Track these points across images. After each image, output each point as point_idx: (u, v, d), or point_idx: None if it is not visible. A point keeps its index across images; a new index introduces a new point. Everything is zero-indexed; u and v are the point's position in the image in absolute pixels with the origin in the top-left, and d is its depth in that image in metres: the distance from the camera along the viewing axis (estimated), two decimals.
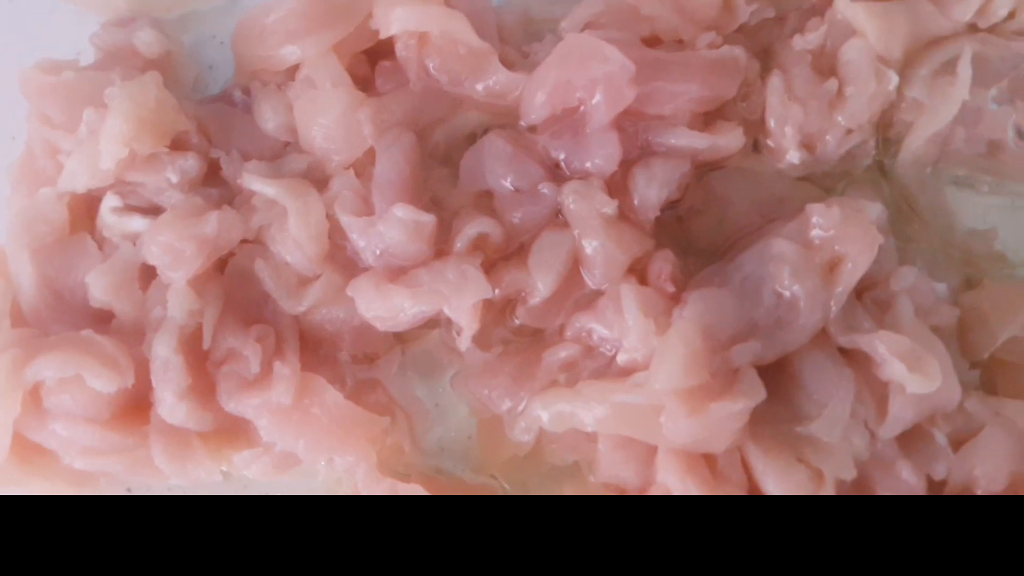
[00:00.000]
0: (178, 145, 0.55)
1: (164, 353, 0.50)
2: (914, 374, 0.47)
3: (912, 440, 0.50)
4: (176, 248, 0.51)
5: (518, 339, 0.55)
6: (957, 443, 0.51)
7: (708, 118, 0.56)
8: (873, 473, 0.49)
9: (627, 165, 0.55)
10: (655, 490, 0.49)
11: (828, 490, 0.47)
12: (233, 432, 0.52)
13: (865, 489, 0.49)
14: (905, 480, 0.49)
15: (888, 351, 0.48)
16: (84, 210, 0.55)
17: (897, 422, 0.49)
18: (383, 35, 0.56)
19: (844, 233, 0.50)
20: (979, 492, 0.50)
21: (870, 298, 0.51)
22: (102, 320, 0.53)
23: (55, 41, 0.62)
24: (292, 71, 0.57)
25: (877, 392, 0.49)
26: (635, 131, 0.55)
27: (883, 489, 0.49)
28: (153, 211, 0.54)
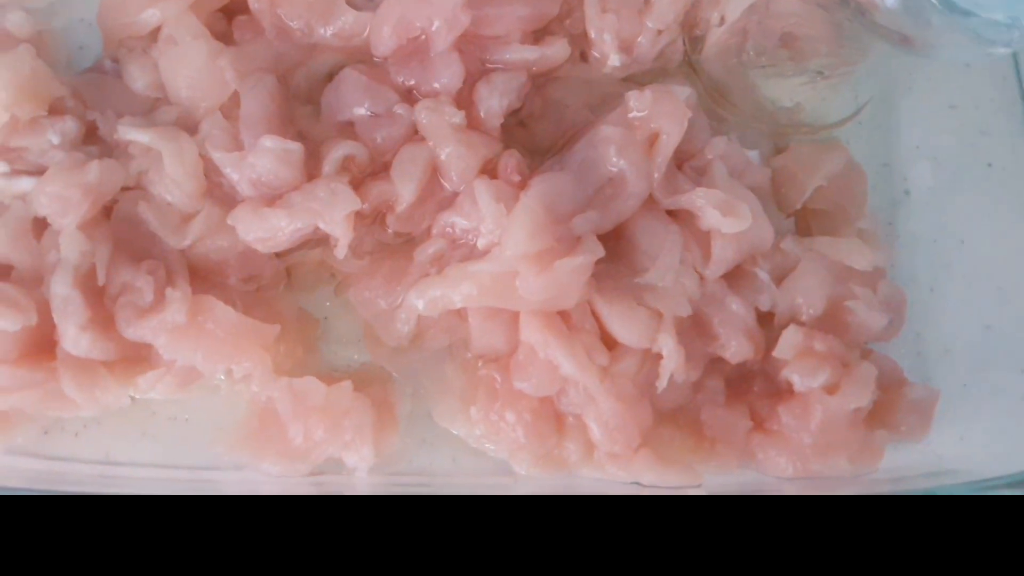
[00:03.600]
0: (56, 111, 0.59)
1: (62, 290, 0.54)
2: (727, 218, 0.55)
3: (738, 279, 0.58)
4: (63, 196, 0.55)
5: (395, 244, 0.60)
6: (779, 278, 0.58)
7: (538, 35, 0.63)
8: (706, 309, 0.56)
9: (472, 82, 0.61)
10: (521, 350, 0.55)
11: (668, 326, 0.54)
12: (136, 358, 0.56)
13: (702, 324, 0.56)
14: (736, 312, 0.56)
15: (705, 203, 0.55)
16: None
17: (720, 262, 0.56)
18: None
19: (657, 111, 0.57)
20: (803, 318, 0.58)
21: (689, 167, 0.59)
22: (2, 274, 0.56)
23: None
24: (155, 34, 0.62)
25: (702, 242, 0.57)
26: (475, 52, 0.62)
27: (719, 323, 0.56)
28: (39, 172, 0.58)
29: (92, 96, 0.62)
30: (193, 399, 0.58)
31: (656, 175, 0.57)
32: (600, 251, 0.54)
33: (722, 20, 0.64)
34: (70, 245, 0.55)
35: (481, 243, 0.56)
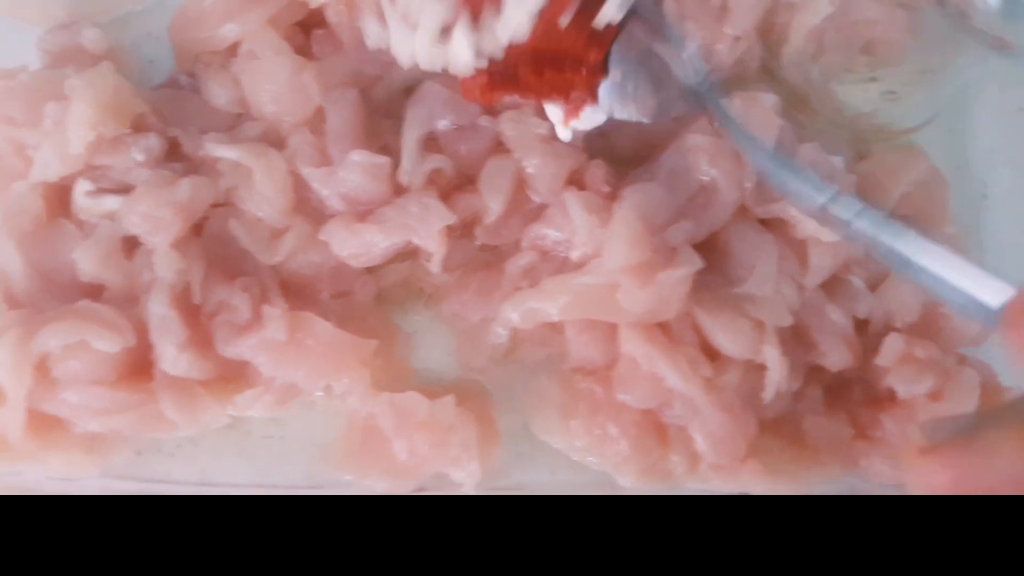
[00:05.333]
0: (138, 128, 0.59)
1: (160, 310, 0.54)
2: (824, 226, 0.55)
3: (834, 287, 0.58)
4: (154, 215, 0.55)
5: (482, 257, 0.60)
6: (872, 285, 0.58)
7: None
8: (806, 318, 0.56)
9: None
10: (621, 363, 0.55)
11: (771, 337, 0.54)
12: (234, 376, 0.56)
13: (801, 333, 0.56)
14: (834, 320, 0.56)
15: (799, 212, 0.56)
16: (57, 199, 0.58)
17: (818, 271, 0.56)
18: (313, 4, 0.61)
19: (746, 119, 0.57)
20: (898, 325, 0.58)
21: None
22: (94, 294, 0.56)
23: None
24: (232, 50, 0.62)
25: (797, 250, 0.57)
26: None
27: (818, 331, 0.56)
28: (124, 190, 0.57)
29: (171, 112, 0.61)
30: (288, 416, 0.58)
31: (748, 184, 0.57)
32: (699, 262, 0.54)
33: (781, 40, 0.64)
34: (165, 264, 0.55)
35: (575, 255, 0.56)
